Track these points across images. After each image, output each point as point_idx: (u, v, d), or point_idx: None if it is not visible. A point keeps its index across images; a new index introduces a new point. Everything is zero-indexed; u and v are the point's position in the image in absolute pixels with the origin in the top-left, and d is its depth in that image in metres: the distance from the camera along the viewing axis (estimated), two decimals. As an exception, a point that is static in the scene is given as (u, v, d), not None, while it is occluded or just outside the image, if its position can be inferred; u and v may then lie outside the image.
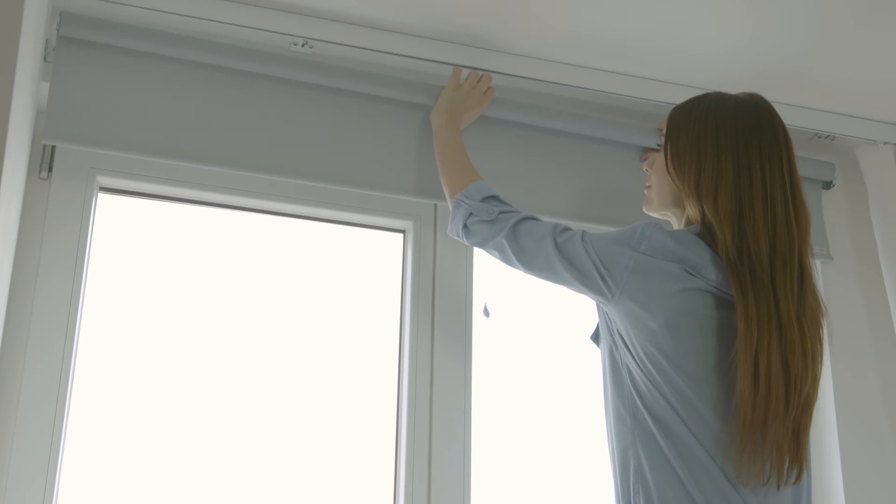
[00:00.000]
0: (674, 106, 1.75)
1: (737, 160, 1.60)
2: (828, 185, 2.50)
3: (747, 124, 1.63)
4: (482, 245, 1.82)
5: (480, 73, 2.12)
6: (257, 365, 2.08)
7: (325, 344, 2.15)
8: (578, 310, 2.17)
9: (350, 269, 2.23)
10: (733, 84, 2.14)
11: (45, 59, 1.90)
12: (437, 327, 2.17)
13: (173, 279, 2.07)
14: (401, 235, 2.27)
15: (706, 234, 1.60)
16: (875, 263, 2.47)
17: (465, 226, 1.85)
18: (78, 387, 1.91)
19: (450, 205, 1.92)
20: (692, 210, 1.63)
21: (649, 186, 1.79)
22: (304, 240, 2.20)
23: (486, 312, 2.25)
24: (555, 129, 2.26)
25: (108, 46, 1.94)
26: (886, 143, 2.45)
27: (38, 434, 1.82)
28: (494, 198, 1.86)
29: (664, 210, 1.75)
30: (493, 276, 2.28)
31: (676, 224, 1.75)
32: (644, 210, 1.81)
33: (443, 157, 2.00)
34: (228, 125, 2.00)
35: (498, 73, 2.15)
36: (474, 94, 2.10)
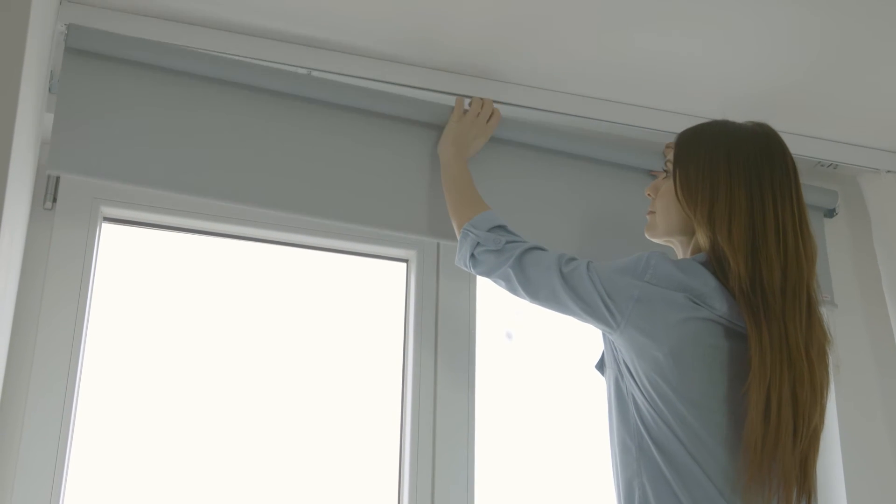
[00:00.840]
0: (679, 132, 1.74)
1: (749, 190, 1.60)
2: (831, 213, 2.49)
3: (759, 154, 1.63)
4: (488, 274, 1.82)
5: (482, 100, 2.12)
6: (262, 394, 2.07)
7: (329, 373, 2.15)
8: (583, 338, 2.17)
9: (353, 299, 2.22)
10: (736, 113, 2.14)
11: (49, 90, 1.91)
12: (441, 356, 2.17)
13: (176, 309, 2.07)
14: (404, 265, 2.27)
15: (714, 262, 1.60)
16: (879, 293, 2.46)
17: (472, 255, 1.84)
18: (82, 416, 1.91)
19: (458, 236, 1.92)
20: (703, 238, 1.63)
21: (652, 212, 1.77)
22: (307, 269, 2.20)
23: (509, 336, 2.25)
24: (560, 150, 2.24)
25: (114, 64, 1.90)
26: (889, 171, 2.44)
27: (42, 458, 1.81)
28: (502, 228, 1.85)
29: (669, 237, 1.75)
30: (497, 305, 2.28)
31: (681, 251, 1.74)
32: (646, 235, 1.80)
33: (451, 190, 2.00)
34: (231, 158, 1.95)
35: (504, 103, 2.16)
36: (478, 122, 2.09)
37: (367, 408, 2.16)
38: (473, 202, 1.94)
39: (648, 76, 2.17)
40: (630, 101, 2.26)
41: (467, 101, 2.12)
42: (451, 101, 2.11)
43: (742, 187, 1.60)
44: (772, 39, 2.03)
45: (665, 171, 1.75)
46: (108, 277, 2.02)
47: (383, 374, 2.19)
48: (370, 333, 2.21)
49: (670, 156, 1.72)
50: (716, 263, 1.60)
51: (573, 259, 1.70)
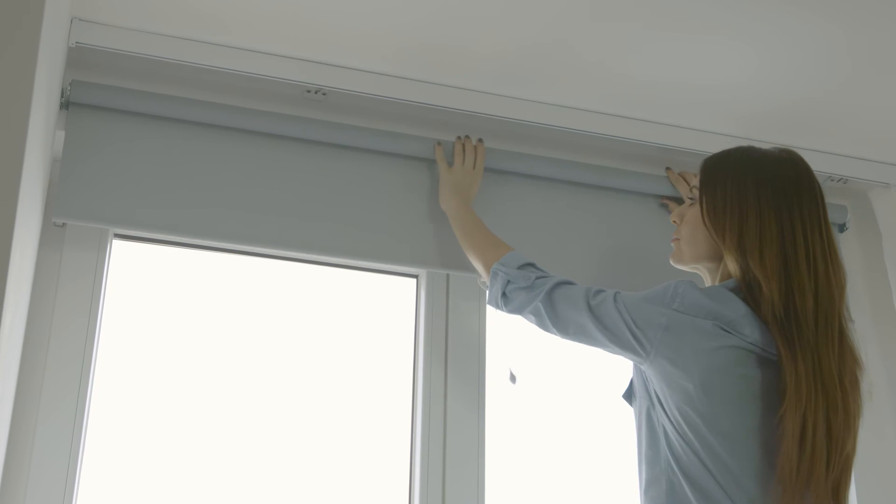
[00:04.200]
0: (704, 159, 1.73)
1: (779, 217, 1.59)
2: (841, 228, 2.49)
3: (788, 182, 1.62)
4: (520, 311, 1.81)
5: (464, 144, 2.17)
6: (272, 409, 2.07)
7: (339, 389, 2.14)
8: (595, 362, 2.17)
9: (363, 314, 2.22)
10: (745, 128, 2.15)
11: (60, 107, 1.92)
12: (451, 373, 2.16)
13: (187, 324, 2.07)
14: (414, 280, 2.27)
15: (744, 289, 1.59)
16: (889, 307, 2.46)
17: (503, 293, 1.83)
18: (93, 430, 1.91)
19: (486, 278, 1.92)
20: (732, 265, 1.61)
21: (677, 239, 1.76)
22: (317, 285, 2.20)
23: (513, 378, 2.25)
24: (571, 180, 2.30)
25: (118, 116, 1.99)
26: (899, 186, 2.44)
27: (53, 475, 1.82)
28: (531, 265, 1.85)
29: (696, 264, 1.73)
30: (507, 328, 2.28)
31: (709, 278, 1.72)
32: (672, 263, 1.78)
33: (469, 237, 2.01)
34: (235, 201, 2.04)
35: (514, 120, 2.19)
36: (466, 170, 2.15)
37: (377, 424, 2.15)
38: (496, 244, 1.94)
39: (657, 91, 2.17)
40: (640, 117, 2.26)
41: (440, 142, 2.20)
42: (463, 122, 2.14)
43: (772, 214, 1.59)
44: (783, 56, 2.02)
45: (690, 198, 1.74)
46: (119, 294, 2.03)
47: (393, 390, 2.19)
48: (380, 349, 2.21)
49: (695, 182, 1.71)
50: (746, 290, 1.58)
51: (601, 291, 1.69)
